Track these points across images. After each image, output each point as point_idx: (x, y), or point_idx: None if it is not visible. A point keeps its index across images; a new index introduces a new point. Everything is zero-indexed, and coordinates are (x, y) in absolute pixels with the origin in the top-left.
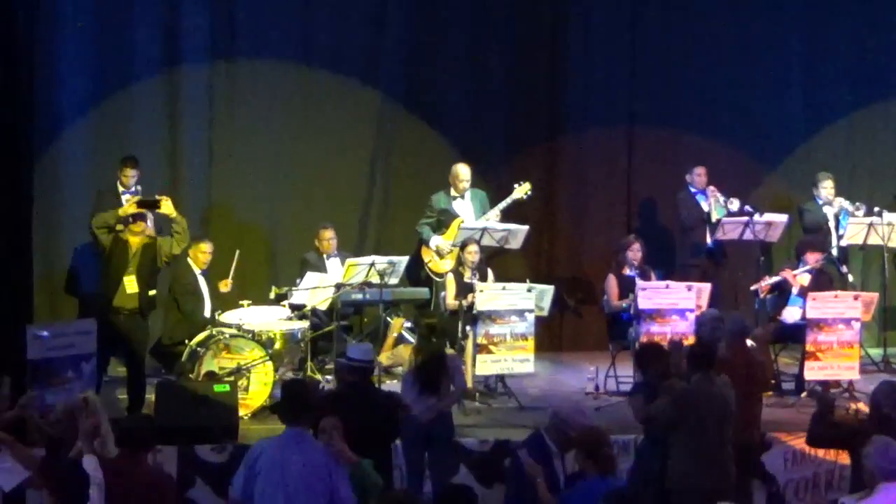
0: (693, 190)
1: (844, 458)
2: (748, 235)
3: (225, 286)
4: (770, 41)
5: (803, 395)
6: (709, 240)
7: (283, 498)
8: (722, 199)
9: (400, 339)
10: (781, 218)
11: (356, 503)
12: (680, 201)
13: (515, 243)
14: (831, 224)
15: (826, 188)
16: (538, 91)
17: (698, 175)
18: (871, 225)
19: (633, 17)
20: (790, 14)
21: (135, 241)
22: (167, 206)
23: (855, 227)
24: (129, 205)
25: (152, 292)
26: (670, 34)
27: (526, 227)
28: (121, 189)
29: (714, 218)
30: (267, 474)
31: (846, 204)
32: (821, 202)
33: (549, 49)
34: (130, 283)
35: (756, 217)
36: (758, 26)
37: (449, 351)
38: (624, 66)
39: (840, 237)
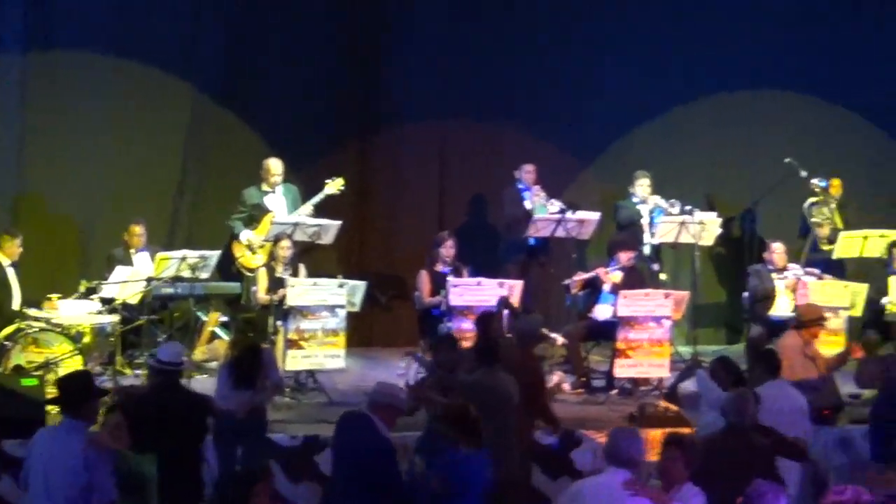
0: (521, 186)
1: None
2: (560, 233)
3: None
4: (587, 38)
5: (613, 392)
6: (530, 237)
7: (42, 487)
8: (545, 199)
9: (214, 335)
10: (594, 216)
11: (117, 495)
12: (506, 197)
13: (327, 238)
14: (645, 222)
15: (642, 186)
16: (353, 86)
17: (527, 172)
18: (682, 223)
19: (451, 13)
20: (607, 12)
21: None
22: None
23: (667, 225)
24: None
25: None
26: (487, 30)
27: (338, 223)
28: None
29: (536, 216)
30: (33, 464)
31: (661, 202)
32: (636, 200)
33: (364, 44)
34: None
35: (569, 214)
36: (576, 23)
37: (264, 346)
38: (439, 62)
39: (652, 235)
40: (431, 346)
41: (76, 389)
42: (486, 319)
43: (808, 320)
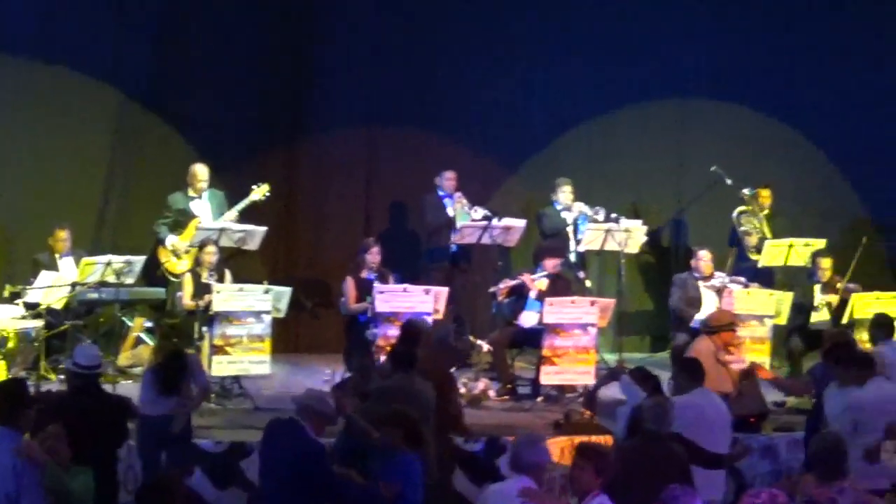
0: (441, 193)
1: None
2: (486, 239)
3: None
4: (514, 45)
5: (539, 399)
6: (453, 244)
7: None
8: (468, 206)
9: (139, 340)
10: (519, 223)
11: None
12: (426, 204)
13: (253, 244)
14: (570, 229)
15: (565, 193)
16: (279, 93)
17: (448, 179)
18: (608, 231)
19: (378, 20)
20: (534, 20)
21: None
22: None
23: (593, 232)
24: None
25: None
26: (414, 38)
27: (264, 229)
28: None
29: (458, 223)
30: None
31: (585, 209)
32: (560, 207)
33: (291, 51)
34: None
35: (495, 221)
36: (503, 30)
37: (189, 351)
38: (366, 69)
39: (578, 242)
40: (345, 352)
41: (8, 397)
42: (410, 326)
43: (719, 326)
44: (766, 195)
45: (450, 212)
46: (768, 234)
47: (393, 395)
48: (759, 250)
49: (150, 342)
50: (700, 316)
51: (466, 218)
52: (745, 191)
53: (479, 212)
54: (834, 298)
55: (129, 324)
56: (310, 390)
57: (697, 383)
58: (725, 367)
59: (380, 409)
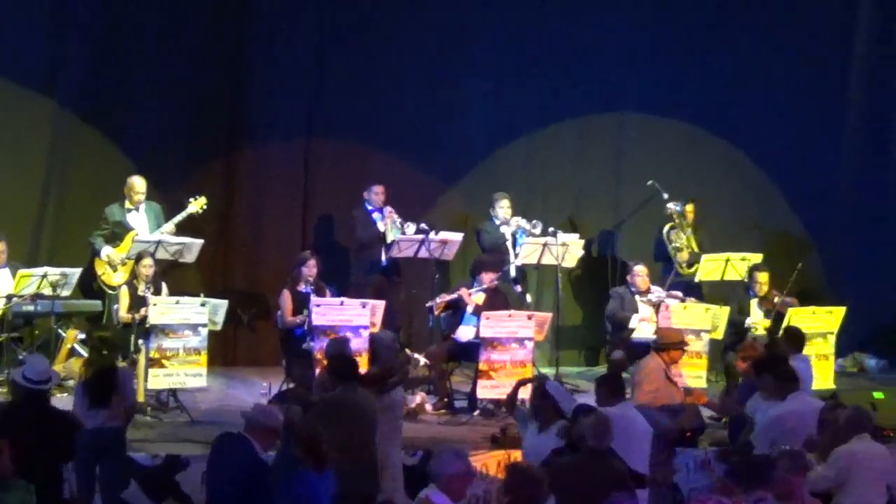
0: (370, 208)
1: None
2: (423, 253)
3: None
4: (451, 58)
5: (476, 413)
6: (383, 258)
7: None
8: (399, 220)
9: (72, 352)
10: (456, 237)
11: None
12: (356, 219)
13: (190, 257)
14: (508, 243)
15: (503, 207)
16: (217, 105)
17: (376, 193)
18: (545, 245)
19: (317, 33)
20: (471, 33)
21: None
22: None
23: (530, 246)
24: None
25: None
26: (352, 50)
27: (200, 241)
28: None
29: (389, 238)
30: None
31: (523, 223)
32: (498, 222)
33: (230, 63)
34: None
35: (431, 235)
36: (439, 44)
37: (121, 364)
38: (304, 83)
39: (517, 256)
40: (286, 364)
41: None
42: (381, 342)
43: (669, 343)
44: (690, 210)
45: (380, 226)
46: (695, 248)
47: (335, 408)
48: (690, 265)
49: (85, 354)
50: (640, 334)
51: (398, 233)
52: (673, 206)
53: (412, 226)
54: (766, 323)
55: (65, 336)
56: (258, 405)
57: (617, 398)
58: (674, 384)
59: (320, 421)
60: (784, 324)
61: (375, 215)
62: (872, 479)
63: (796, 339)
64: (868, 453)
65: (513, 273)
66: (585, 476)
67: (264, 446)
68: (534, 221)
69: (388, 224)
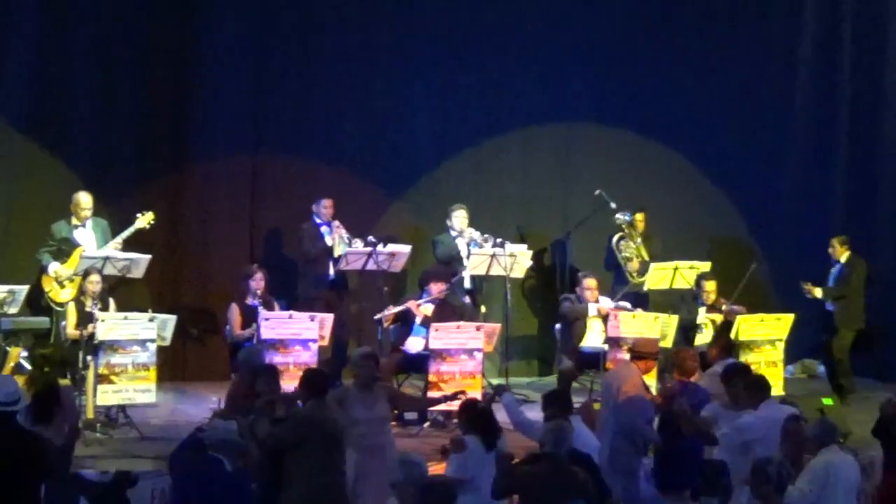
0: (318, 221)
1: None
2: (371, 266)
3: None
4: (398, 70)
5: (426, 424)
6: (331, 272)
7: None
8: (346, 236)
9: (17, 369)
10: (404, 249)
11: None
12: (304, 232)
13: (138, 272)
14: (463, 254)
15: (458, 218)
16: (163, 120)
17: (325, 207)
18: (493, 256)
19: (259, 47)
20: (417, 44)
21: None
22: None
23: (478, 258)
24: None
25: None
26: (298, 64)
27: (148, 257)
28: None
29: (337, 252)
30: None
31: (476, 235)
32: (454, 233)
33: (175, 79)
34: None
35: (379, 248)
36: (386, 56)
37: (64, 382)
38: (250, 97)
39: (465, 267)
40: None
41: None
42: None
43: (646, 353)
44: (640, 219)
45: (328, 240)
46: (646, 257)
47: (304, 421)
48: (641, 274)
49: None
50: (590, 343)
51: (345, 248)
52: (621, 216)
53: (358, 243)
54: (718, 317)
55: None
56: (216, 421)
57: (564, 413)
58: (650, 393)
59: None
60: (733, 331)
61: (324, 229)
62: (846, 489)
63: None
64: (841, 464)
65: (468, 284)
66: (544, 482)
67: (232, 462)
68: (485, 235)
69: (336, 238)
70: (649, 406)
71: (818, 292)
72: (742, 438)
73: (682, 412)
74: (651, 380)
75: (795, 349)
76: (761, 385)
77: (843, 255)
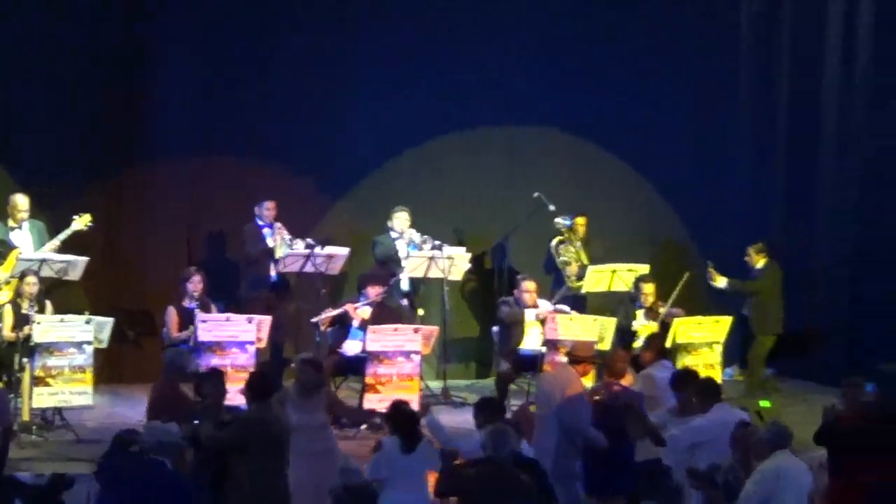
0: (261, 223)
1: None
2: (309, 268)
3: None
4: (340, 71)
5: (363, 427)
6: (272, 273)
7: None
8: (288, 237)
9: None
10: (342, 251)
11: None
12: (246, 233)
13: (75, 275)
14: (402, 255)
15: (400, 219)
16: (102, 122)
17: (268, 209)
18: (431, 258)
19: (205, 48)
20: (360, 44)
21: None
22: None
23: (416, 260)
24: None
25: None
26: (240, 65)
27: (85, 259)
28: None
29: (278, 254)
30: None
31: (415, 236)
32: (394, 235)
33: (115, 80)
34: None
35: (317, 250)
36: (329, 56)
37: None
38: (194, 97)
39: (403, 269)
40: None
41: None
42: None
43: (584, 357)
44: (581, 223)
45: (269, 242)
46: (586, 261)
47: (248, 424)
48: (580, 278)
49: None
50: (528, 346)
51: (287, 250)
52: (561, 220)
53: (300, 244)
54: (653, 326)
55: None
56: (150, 424)
57: (494, 420)
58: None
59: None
60: (669, 335)
61: (266, 231)
62: (797, 494)
63: (660, 349)
64: (791, 469)
65: (406, 287)
66: (487, 486)
67: (178, 466)
68: (424, 237)
69: (278, 240)
70: (590, 408)
71: (721, 281)
72: (691, 440)
73: (634, 413)
74: (589, 382)
75: (734, 352)
76: (711, 388)
77: (760, 262)
